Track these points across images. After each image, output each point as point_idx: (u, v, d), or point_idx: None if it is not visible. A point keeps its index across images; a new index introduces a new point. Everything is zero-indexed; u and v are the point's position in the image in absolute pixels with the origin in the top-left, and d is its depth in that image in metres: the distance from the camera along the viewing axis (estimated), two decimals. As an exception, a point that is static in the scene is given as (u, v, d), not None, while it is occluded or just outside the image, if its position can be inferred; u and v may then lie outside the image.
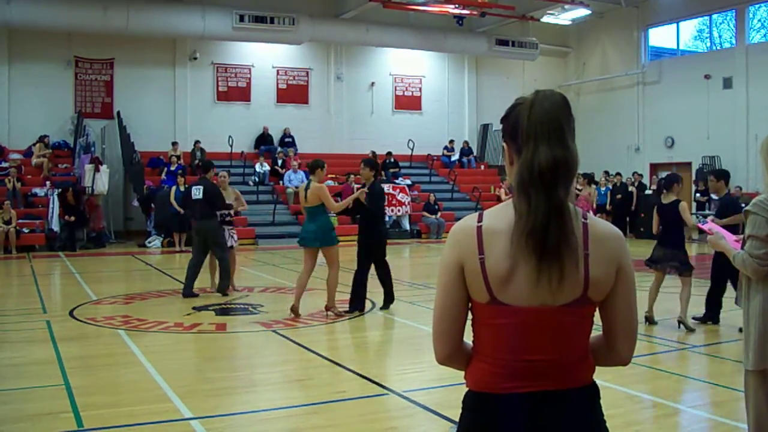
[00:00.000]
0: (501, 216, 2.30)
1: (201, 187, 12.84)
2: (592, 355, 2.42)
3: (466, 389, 2.43)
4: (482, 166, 32.75)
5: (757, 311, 4.35)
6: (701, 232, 23.10)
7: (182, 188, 22.65)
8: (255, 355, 9.11)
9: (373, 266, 11.41)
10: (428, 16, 29.41)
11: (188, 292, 12.75)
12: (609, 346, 2.44)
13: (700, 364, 8.60)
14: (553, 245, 2.19)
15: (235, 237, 13.72)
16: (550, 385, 2.30)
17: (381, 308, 11.54)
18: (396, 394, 7.07)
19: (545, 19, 31.53)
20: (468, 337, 2.41)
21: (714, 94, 28.81)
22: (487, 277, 2.25)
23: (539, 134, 2.24)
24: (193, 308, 11.66)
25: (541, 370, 2.29)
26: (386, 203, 13.29)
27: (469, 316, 2.38)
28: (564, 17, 32.14)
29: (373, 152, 29.00)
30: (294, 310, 10.90)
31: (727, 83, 28.51)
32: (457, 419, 6.28)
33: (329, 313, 11.08)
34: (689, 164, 29.43)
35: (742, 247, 4.42)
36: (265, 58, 29.64)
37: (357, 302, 11.36)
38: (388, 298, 11.56)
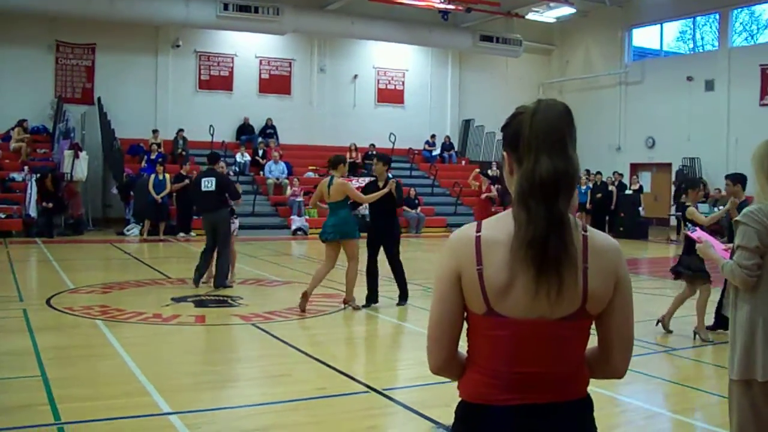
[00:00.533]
0: (500, 226, 2.26)
1: (213, 179, 12.72)
2: (587, 367, 2.40)
3: (459, 399, 2.40)
4: (463, 162, 32.75)
5: (743, 321, 4.33)
6: (679, 233, 23.11)
7: (161, 177, 22.61)
8: (234, 349, 9.08)
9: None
10: (413, 9, 29.33)
11: (197, 279, 12.80)
12: (604, 359, 2.42)
13: (680, 368, 8.60)
14: (553, 257, 2.16)
15: (236, 224, 13.67)
16: (545, 397, 2.28)
17: (398, 303, 11.53)
18: (376, 392, 7.03)
19: (530, 16, 31.57)
20: (462, 347, 2.38)
21: (696, 95, 29.02)
22: (484, 287, 2.22)
23: (540, 145, 2.21)
24: (172, 299, 11.56)
25: (537, 382, 2.27)
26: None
27: (464, 325, 2.34)
28: (548, 15, 32.20)
29: (355, 145, 29.02)
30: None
31: (709, 85, 28.74)
32: (437, 419, 6.29)
33: (347, 306, 11.13)
34: (669, 165, 29.62)
35: (731, 257, 4.41)
36: (248, 48, 29.52)
37: (373, 296, 11.43)
38: (404, 293, 11.59)
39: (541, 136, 2.22)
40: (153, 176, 22.77)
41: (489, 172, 27.26)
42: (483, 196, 21.90)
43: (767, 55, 27.20)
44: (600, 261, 2.26)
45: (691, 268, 9.34)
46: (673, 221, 27.83)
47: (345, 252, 11.06)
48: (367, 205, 11.87)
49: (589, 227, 2.31)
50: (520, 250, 2.17)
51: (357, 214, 18.81)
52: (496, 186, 24.51)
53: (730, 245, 4.59)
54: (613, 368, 2.43)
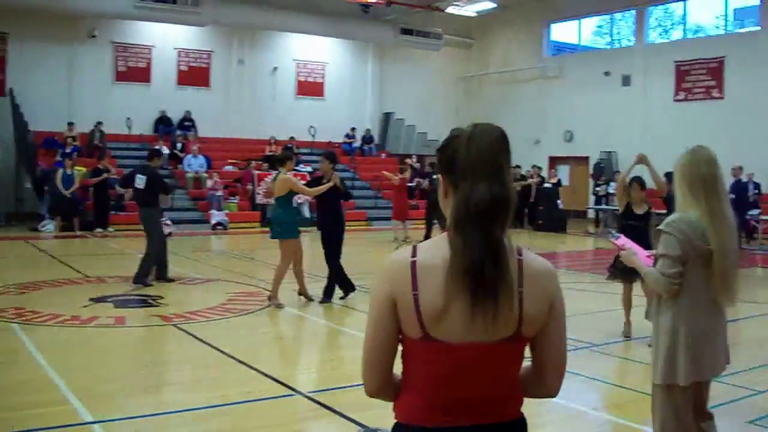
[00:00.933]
0: (435, 251, 2.25)
1: (145, 178, 12.65)
2: (521, 387, 2.41)
3: (395, 421, 2.39)
4: (383, 155, 32.79)
5: (666, 328, 4.45)
6: (597, 224, 23.55)
7: (69, 171, 22.08)
8: (156, 352, 8.94)
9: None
10: (334, 2, 29.25)
11: (140, 280, 12.72)
12: (538, 379, 2.45)
13: (603, 365, 8.66)
14: (489, 283, 2.17)
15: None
16: (481, 419, 2.29)
17: (321, 301, 11.58)
18: (302, 395, 7.00)
19: (450, 10, 31.69)
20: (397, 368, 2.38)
21: (613, 90, 29.55)
22: (420, 312, 2.21)
23: (477, 171, 2.22)
24: (91, 299, 11.29)
25: (472, 404, 2.28)
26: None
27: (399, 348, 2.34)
28: (469, 9, 32.36)
29: (274, 138, 28.77)
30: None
31: (626, 81, 29.30)
32: (362, 421, 6.25)
33: (270, 303, 11.13)
34: (587, 158, 30.10)
35: (654, 265, 4.50)
36: (166, 39, 29.00)
37: (347, 285, 11.67)
38: (331, 289, 11.67)
39: (478, 161, 2.23)
40: (61, 171, 22.20)
41: (407, 161, 27.47)
42: (391, 175, 21.74)
43: (681, 51, 27.83)
44: (535, 285, 2.28)
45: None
46: (591, 213, 28.35)
47: (279, 248, 11.20)
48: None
49: (524, 251, 2.32)
50: (456, 276, 2.17)
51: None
52: (417, 179, 24.59)
53: (653, 252, 4.68)
54: (546, 388, 2.47)
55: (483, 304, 2.17)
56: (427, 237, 20.18)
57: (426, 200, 22.32)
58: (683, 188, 4.45)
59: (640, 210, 9.33)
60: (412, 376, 2.34)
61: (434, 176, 22.59)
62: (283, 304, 11.12)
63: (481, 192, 2.19)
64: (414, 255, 2.26)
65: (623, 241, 5.04)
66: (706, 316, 4.42)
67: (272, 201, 11.89)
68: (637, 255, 4.84)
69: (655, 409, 4.60)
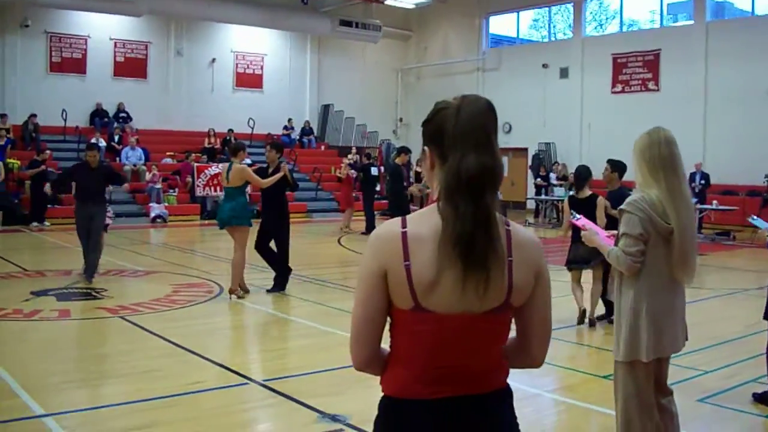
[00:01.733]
0: (425, 222, 2.25)
1: None
2: (506, 357, 2.42)
3: (382, 394, 2.38)
4: (322, 147, 32.71)
5: (628, 306, 4.52)
6: (537, 215, 23.77)
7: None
8: (103, 344, 8.76)
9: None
10: (272, -7, 29.07)
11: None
12: (523, 349, 2.48)
13: (550, 349, 8.69)
14: (480, 253, 2.17)
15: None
16: (469, 389, 2.30)
17: (270, 290, 11.56)
18: (255, 382, 6.95)
19: (389, 1, 31.70)
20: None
21: (551, 82, 29.86)
22: (412, 283, 2.20)
23: (466, 141, 2.22)
24: (32, 293, 11.05)
25: (461, 375, 2.29)
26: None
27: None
28: (407, 1, 32.44)
29: (213, 130, 28.46)
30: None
31: (564, 73, 29.61)
32: (320, 407, 6.22)
33: (232, 296, 11.03)
34: (525, 150, 30.36)
35: (615, 244, 4.56)
36: (102, 29, 28.43)
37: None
38: (284, 279, 11.66)
39: (467, 132, 2.23)
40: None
41: (349, 156, 27.55)
42: (340, 173, 22.41)
43: (617, 44, 28.20)
44: (522, 254, 2.29)
45: (587, 260, 9.26)
46: (531, 204, 28.63)
47: (234, 239, 11.09)
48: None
49: (510, 221, 2.32)
50: (447, 246, 2.17)
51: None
52: (353, 172, 24.71)
53: (614, 232, 4.74)
54: (531, 358, 2.51)
55: (474, 273, 2.17)
56: (369, 228, 20.38)
57: (363, 192, 22.52)
58: (643, 169, 4.53)
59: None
60: (400, 349, 2.33)
61: (373, 167, 22.77)
62: (245, 295, 11.17)
63: (471, 162, 2.18)
64: (404, 226, 2.25)
65: (583, 221, 5.08)
66: (666, 293, 4.50)
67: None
68: (598, 235, 4.89)
69: (618, 385, 4.67)
